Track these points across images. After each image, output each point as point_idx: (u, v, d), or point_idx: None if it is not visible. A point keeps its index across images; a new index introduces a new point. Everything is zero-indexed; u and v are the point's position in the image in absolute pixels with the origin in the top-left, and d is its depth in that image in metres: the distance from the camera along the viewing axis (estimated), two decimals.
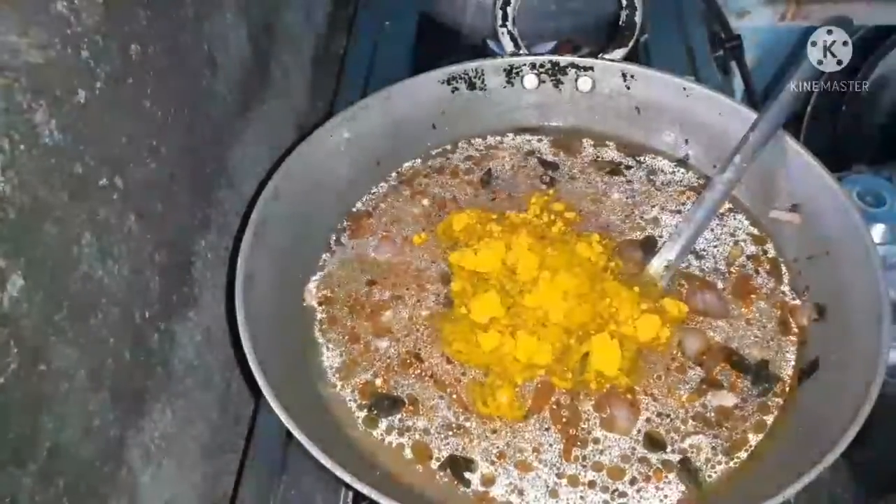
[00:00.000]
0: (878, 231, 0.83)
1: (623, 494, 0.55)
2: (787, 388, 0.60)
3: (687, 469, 0.56)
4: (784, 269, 0.68)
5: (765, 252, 0.69)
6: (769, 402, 0.59)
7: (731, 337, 0.63)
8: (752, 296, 0.66)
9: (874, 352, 0.55)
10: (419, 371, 0.62)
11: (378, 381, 0.61)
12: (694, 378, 0.61)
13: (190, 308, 0.66)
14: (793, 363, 0.62)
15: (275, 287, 0.63)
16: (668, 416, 0.59)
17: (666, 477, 0.56)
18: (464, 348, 0.62)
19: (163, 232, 0.61)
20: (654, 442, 0.57)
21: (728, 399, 0.59)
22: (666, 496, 0.55)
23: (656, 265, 0.66)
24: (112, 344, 0.53)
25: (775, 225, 0.70)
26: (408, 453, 0.58)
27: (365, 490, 0.49)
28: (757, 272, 0.67)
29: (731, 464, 0.56)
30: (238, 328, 0.56)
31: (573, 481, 0.56)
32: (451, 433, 0.58)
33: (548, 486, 0.56)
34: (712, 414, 0.59)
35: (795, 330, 0.64)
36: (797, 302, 0.65)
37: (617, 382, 0.60)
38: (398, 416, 0.59)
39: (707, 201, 0.67)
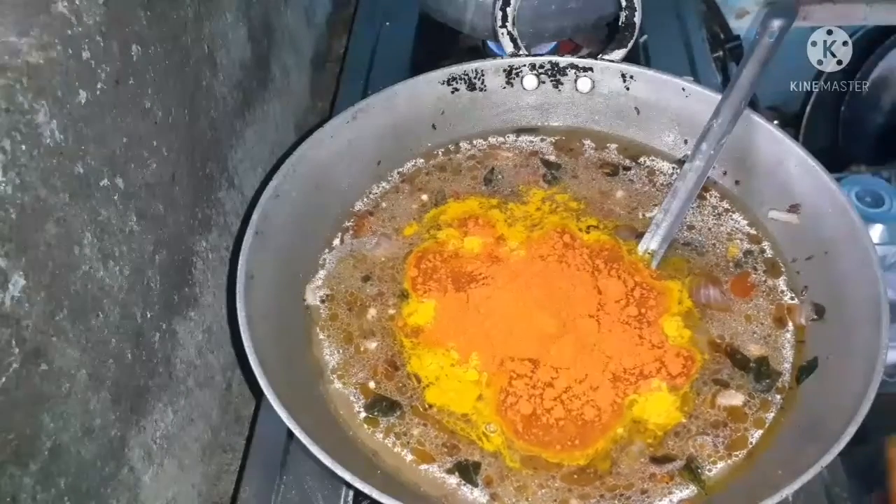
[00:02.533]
0: (876, 231, 0.83)
1: (624, 495, 0.55)
2: (787, 387, 0.60)
3: (690, 468, 0.56)
4: (783, 269, 0.68)
5: (763, 252, 0.69)
6: (770, 399, 0.59)
7: (734, 333, 0.63)
8: (751, 293, 0.66)
9: (873, 352, 0.55)
10: (402, 383, 0.61)
11: (371, 384, 0.61)
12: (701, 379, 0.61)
13: (191, 308, 0.67)
14: (791, 360, 0.62)
15: (276, 286, 0.63)
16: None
17: (672, 478, 0.56)
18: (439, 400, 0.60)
19: (164, 232, 0.61)
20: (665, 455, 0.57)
21: (737, 398, 0.59)
22: (671, 492, 0.55)
23: (640, 252, 0.68)
24: (113, 344, 0.53)
25: (774, 225, 0.70)
26: (408, 454, 0.58)
27: (366, 489, 0.49)
28: (755, 271, 0.68)
29: (731, 461, 0.56)
30: (239, 328, 0.56)
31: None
32: (453, 440, 0.58)
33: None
34: (723, 414, 0.59)
35: (791, 327, 0.64)
36: (796, 302, 0.65)
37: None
38: (396, 418, 0.59)
39: (681, 191, 0.68)
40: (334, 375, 0.62)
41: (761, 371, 0.61)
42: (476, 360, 0.61)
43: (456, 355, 0.62)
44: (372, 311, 0.65)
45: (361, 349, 0.63)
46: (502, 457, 0.57)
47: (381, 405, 0.59)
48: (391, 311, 0.65)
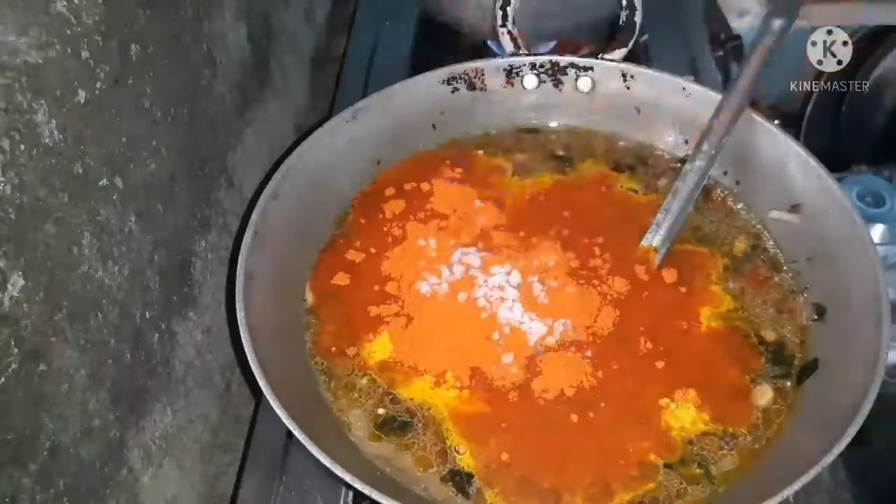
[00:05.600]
0: (877, 231, 0.83)
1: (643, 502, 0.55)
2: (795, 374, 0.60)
3: (702, 468, 0.56)
4: (784, 268, 0.68)
5: (766, 250, 0.69)
6: (786, 388, 0.59)
7: (751, 322, 0.63)
8: (763, 287, 0.66)
9: (874, 352, 0.55)
10: (407, 406, 0.60)
11: (380, 410, 0.59)
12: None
13: (190, 308, 0.66)
14: (796, 356, 0.62)
15: (275, 286, 0.63)
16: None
17: (685, 479, 0.56)
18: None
19: (163, 232, 0.61)
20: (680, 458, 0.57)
21: (766, 395, 0.59)
22: (686, 493, 0.55)
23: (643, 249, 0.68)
24: (112, 344, 0.53)
25: (775, 225, 0.70)
26: (408, 457, 0.57)
27: (365, 490, 0.49)
28: (762, 265, 0.68)
29: (737, 461, 0.56)
30: (238, 328, 0.56)
31: None
32: (446, 448, 0.57)
33: None
34: (760, 417, 0.58)
35: (795, 326, 0.64)
36: (797, 302, 0.65)
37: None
38: (400, 430, 0.58)
39: (681, 191, 0.68)
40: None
41: (779, 355, 0.61)
42: (452, 379, 0.59)
43: (431, 378, 0.59)
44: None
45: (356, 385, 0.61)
46: (482, 490, 0.55)
47: (391, 424, 0.58)
48: (351, 351, 0.62)
